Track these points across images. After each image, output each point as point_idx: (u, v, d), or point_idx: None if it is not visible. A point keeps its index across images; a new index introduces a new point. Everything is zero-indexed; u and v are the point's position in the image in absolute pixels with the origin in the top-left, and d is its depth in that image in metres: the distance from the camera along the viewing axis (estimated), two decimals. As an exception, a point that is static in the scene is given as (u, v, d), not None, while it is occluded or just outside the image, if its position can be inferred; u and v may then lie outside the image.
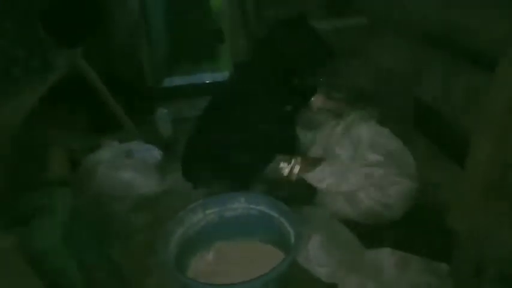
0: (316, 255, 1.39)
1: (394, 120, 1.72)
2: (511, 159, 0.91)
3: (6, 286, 0.86)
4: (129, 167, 1.95)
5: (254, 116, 1.49)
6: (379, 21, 2.12)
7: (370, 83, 2.16)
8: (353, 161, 1.61)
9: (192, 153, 1.64)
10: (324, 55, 1.50)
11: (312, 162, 1.61)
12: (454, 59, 1.49)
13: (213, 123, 1.58)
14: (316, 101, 1.80)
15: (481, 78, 1.23)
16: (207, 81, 3.36)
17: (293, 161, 1.58)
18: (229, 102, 1.53)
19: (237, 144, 1.50)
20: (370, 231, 1.48)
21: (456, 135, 1.49)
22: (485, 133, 0.89)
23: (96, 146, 2.14)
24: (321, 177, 1.61)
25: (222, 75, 3.35)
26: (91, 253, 1.25)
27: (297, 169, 1.59)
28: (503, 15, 0.97)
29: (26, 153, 1.61)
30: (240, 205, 1.43)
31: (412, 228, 1.49)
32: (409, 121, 1.73)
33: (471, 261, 1.06)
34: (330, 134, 1.75)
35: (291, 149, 1.64)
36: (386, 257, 1.35)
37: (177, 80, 3.52)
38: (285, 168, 1.57)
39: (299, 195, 1.68)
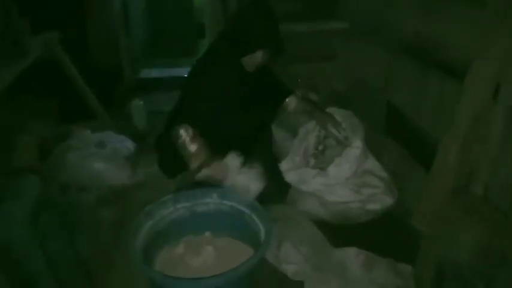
0: (284, 253, 1.41)
1: (366, 123, 1.76)
2: (474, 167, 0.96)
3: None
4: (100, 157, 1.92)
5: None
6: (358, 27, 2.16)
7: (345, 87, 2.20)
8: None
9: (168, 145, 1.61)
10: (271, 38, 1.50)
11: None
12: (426, 68, 1.55)
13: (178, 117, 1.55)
14: (291, 102, 1.81)
15: (451, 88, 1.29)
16: (185, 75, 3.33)
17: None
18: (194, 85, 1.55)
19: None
20: (338, 231, 1.51)
21: (425, 141, 1.55)
22: (452, 141, 0.93)
23: (68, 134, 2.09)
24: (305, 179, 1.64)
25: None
26: (57, 243, 1.22)
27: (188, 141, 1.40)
28: (474, 29, 1.02)
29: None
30: (211, 200, 1.43)
31: (380, 230, 1.53)
32: (381, 125, 1.78)
33: (432, 263, 1.10)
34: (307, 136, 1.78)
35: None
36: (352, 256, 1.38)
37: (155, 72, 3.47)
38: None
39: (271, 193, 1.69)
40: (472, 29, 1.09)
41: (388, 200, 1.61)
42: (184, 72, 3.39)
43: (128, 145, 2.09)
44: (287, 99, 1.74)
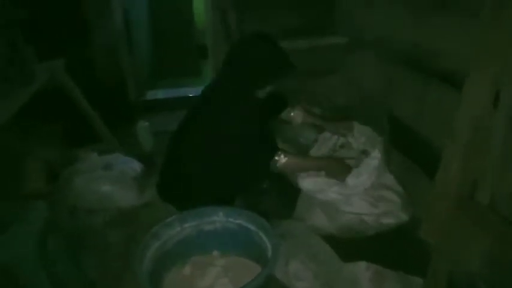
0: (293, 270, 1.39)
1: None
2: (477, 176, 0.95)
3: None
4: (108, 179, 1.93)
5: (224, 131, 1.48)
6: (357, 41, 2.19)
7: (347, 100, 2.21)
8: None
9: (168, 173, 1.62)
10: (283, 64, 1.52)
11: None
12: (425, 79, 1.56)
13: (183, 142, 1.56)
14: (297, 116, 1.82)
15: (451, 97, 1.29)
16: (190, 95, 3.38)
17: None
18: (198, 118, 1.54)
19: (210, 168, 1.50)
20: (347, 245, 1.50)
21: (429, 151, 1.54)
22: (453, 151, 0.93)
23: (75, 158, 2.11)
24: (322, 188, 1.61)
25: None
26: (65, 266, 1.23)
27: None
28: (468, 38, 1.03)
29: (1, 165, 1.57)
30: (218, 218, 1.43)
31: (389, 242, 1.51)
32: (385, 137, 1.78)
33: (443, 274, 1.08)
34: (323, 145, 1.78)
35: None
36: (362, 270, 1.36)
37: (160, 93, 3.52)
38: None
39: (278, 209, 1.69)
40: (466, 37, 1.11)
41: (403, 217, 1.60)
42: (188, 92, 3.45)
43: (134, 166, 2.10)
44: (293, 113, 1.76)
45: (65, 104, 2.20)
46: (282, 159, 1.51)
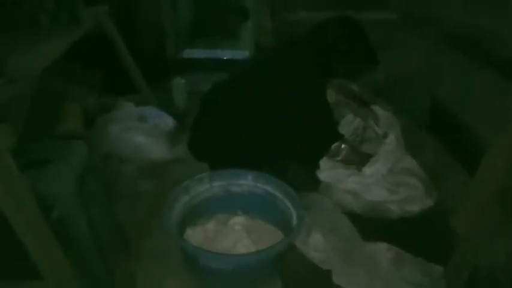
0: (314, 241, 1.41)
1: (408, 117, 1.72)
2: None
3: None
4: (142, 130, 1.98)
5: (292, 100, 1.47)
6: (405, 18, 2.09)
7: (389, 79, 2.14)
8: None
9: (202, 129, 1.62)
10: (370, 60, 1.51)
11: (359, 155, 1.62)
12: (476, 63, 1.48)
13: (236, 103, 1.55)
14: (329, 95, 1.79)
15: (502, 87, 1.23)
16: (226, 58, 3.36)
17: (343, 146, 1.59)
18: (262, 81, 1.52)
19: (272, 129, 1.49)
20: (370, 225, 1.49)
21: (469, 139, 1.49)
22: (504, 143, 0.89)
23: (111, 106, 2.16)
24: (340, 179, 1.62)
25: (241, 53, 3.34)
26: (98, 208, 1.29)
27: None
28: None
29: (42, 105, 1.63)
30: (246, 182, 1.45)
31: (413, 227, 1.50)
32: (424, 119, 1.73)
33: (467, 266, 1.07)
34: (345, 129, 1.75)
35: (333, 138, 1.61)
36: (382, 251, 1.37)
37: (197, 53, 3.51)
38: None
39: (304, 182, 1.69)
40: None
41: (427, 202, 1.57)
42: (225, 54, 3.43)
43: (167, 121, 2.14)
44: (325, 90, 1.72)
45: (106, 51, 2.23)
46: (342, 147, 1.57)
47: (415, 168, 1.64)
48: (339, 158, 1.61)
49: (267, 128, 1.47)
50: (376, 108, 1.73)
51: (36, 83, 1.44)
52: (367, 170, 1.59)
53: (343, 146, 1.58)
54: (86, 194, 1.17)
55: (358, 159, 1.65)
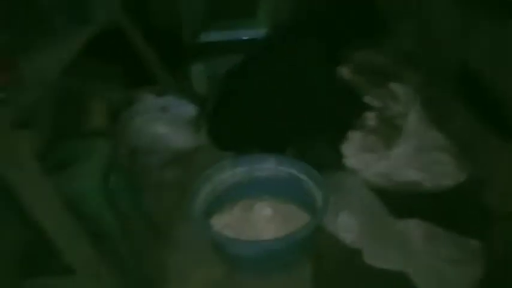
0: (342, 220, 1.39)
1: (434, 86, 1.62)
2: None
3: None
4: (164, 121, 1.99)
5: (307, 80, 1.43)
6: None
7: (416, 46, 2.02)
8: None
9: (220, 118, 1.61)
10: (377, 29, 1.43)
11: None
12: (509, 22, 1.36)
13: (251, 87, 1.52)
14: (344, 72, 1.71)
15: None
16: (244, 38, 3.30)
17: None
18: (272, 60, 1.48)
19: (286, 110, 1.47)
20: (400, 202, 1.44)
21: (503, 108, 1.39)
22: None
23: (133, 99, 2.19)
24: (368, 164, 1.55)
25: (259, 32, 3.26)
26: (126, 202, 1.31)
27: None
28: None
29: (65, 103, 1.66)
30: (269, 166, 1.44)
31: (446, 202, 1.43)
32: (452, 87, 1.63)
33: (506, 242, 1.02)
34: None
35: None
36: (414, 228, 1.32)
37: (214, 35, 3.46)
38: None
39: (330, 161, 1.65)
40: None
41: (461, 176, 1.48)
42: (243, 34, 3.37)
43: (189, 109, 2.14)
44: (339, 69, 1.66)
45: (125, 44, 2.23)
46: (372, 117, 1.51)
47: (444, 143, 1.55)
48: (368, 129, 1.55)
49: (286, 108, 1.44)
50: (395, 86, 1.64)
51: (56, 84, 1.47)
52: (394, 151, 1.52)
53: (370, 115, 1.51)
54: (112, 189, 1.20)
55: (390, 131, 1.58)
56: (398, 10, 1.99)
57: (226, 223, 1.37)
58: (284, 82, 1.43)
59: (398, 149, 1.52)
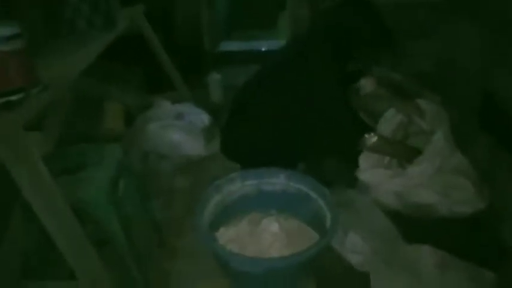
0: (351, 242, 1.35)
1: (456, 112, 1.57)
2: None
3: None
4: (178, 128, 2.00)
5: (310, 94, 1.41)
6: (454, 1, 1.90)
7: (434, 68, 1.98)
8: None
9: (233, 130, 1.60)
10: (386, 40, 1.40)
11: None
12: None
13: (264, 101, 1.51)
14: (366, 84, 1.68)
15: None
16: (263, 49, 3.31)
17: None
18: (280, 75, 1.47)
19: (292, 126, 1.45)
20: (412, 226, 1.40)
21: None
22: None
23: (149, 104, 2.21)
24: (382, 180, 1.50)
25: (278, 43, 3.27)
26: (133, 208, 1.31)
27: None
28: None
29: (82, 106, 1.69)
30: (278, 181, 1.41)
31: (461, 230, 1.38)
32: (474, 115, 1.57)
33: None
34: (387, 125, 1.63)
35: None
36: (426, 254, 1.28)
37: (234, 45, 3.49)
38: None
39: (341, 178, 1.62)
40: None
41: (479, 205, 1.42)
42: (262, 45, 3.38)
43: (203, 118, 2.15)
44: (361, 81, 1.63)
45: (145, 50, 2.26)
46: (372, 137, 1.43)
47: (465, 168, 1.47)
48: (368, 148, 1.48)
49: (297, 124, 1.43)
50: (422, 102, 1.58)
51: (73, 87, 1.50)
52: (413, 170, 1.45)
53: (370, 136, 1.44)
54: (120, 195, 1.20)
55: (402, 152, 1.53)
56: (413, 30, 1.96)
57: (231, 237, 1.34)
58: (296, 97, 1.42)
59: (416, 168, 1.45)
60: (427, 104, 1.57)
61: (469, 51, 1.73)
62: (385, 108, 1.62)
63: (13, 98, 0.91)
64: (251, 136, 1.47)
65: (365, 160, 1.56)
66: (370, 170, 1.54)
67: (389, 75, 1.80)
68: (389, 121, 1.60)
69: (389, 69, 1.83)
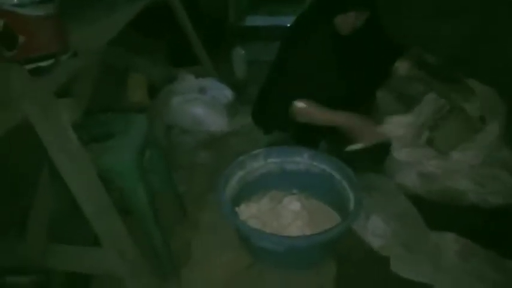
0: (373, 225, 1.34)
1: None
2: None
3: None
4: (201, 103, 1.99)
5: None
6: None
7: (471, 50, 1.87)
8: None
9: (267, 96, 1.59)
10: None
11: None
12: None
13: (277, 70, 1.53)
14: (402, 66, 1.61)
15: None
16: (288, 25, 3.23)
17: None
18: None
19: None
20: (437, 212, 1.37)
21: None
22: None
23: (173, 77, 2.20)
24: (419, 160, 1.43)
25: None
26: (157, 179, 1.32)
27: None
28: None
29: (108, 76, 1.69)
30: (301, 160, 1.40)
31: (488, 219, 1.34)
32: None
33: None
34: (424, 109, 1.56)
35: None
36: (449, 242, 1.26)
37: (259, 20, 3.42)
38: None
39: (365, 161, 1.59)
40: None
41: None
42: (287, 21, 3.29)
43: (226, 94, 2.13)
44: (396, 63, 1.57)
45: (170, 22, 2.24)
46: (298, 104, 1.41)
47: (510, 162, 1.39)
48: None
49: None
50: (474, 84, 1.46)
51: (101, 55, 1.49)
52: (456, 154, 1.39)
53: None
54: (146, 166, 1.21)
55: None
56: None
57: (253, 213, 1.35)
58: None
59: (461, 154, 1.39)
60: (481, 86, 1.48)
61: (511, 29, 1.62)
62: (420, 92, 1.56)
63: (43, 64, 0.90)
64: (280, 109, 1.45)
65: (398, 140, 1.49)
66: (408, 148, 1.46)
67: (425, 57, 1.72)
68: (427, 106, 1.54)
69: (423, 51, 1.75)
